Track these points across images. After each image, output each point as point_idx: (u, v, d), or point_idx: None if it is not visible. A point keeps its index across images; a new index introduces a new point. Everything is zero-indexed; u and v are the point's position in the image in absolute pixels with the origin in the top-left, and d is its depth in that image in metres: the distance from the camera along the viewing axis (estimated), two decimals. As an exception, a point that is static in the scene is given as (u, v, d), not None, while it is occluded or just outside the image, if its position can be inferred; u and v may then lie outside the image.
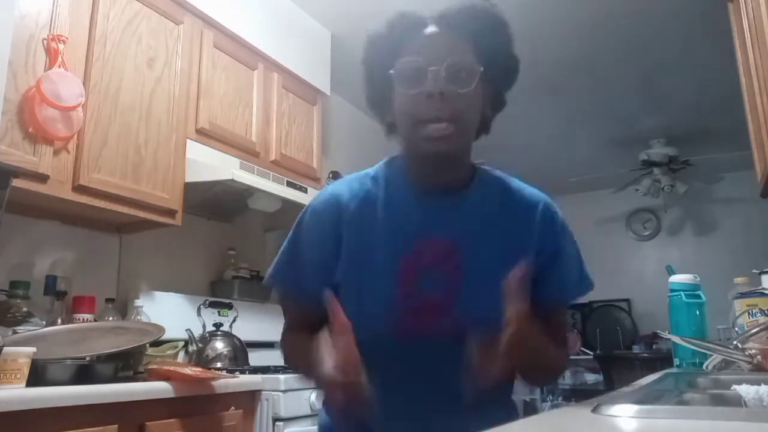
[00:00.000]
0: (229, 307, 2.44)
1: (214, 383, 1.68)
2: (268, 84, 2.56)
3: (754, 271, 1.79)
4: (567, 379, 4.57)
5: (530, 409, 3.99)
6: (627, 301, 5.40)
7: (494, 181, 1.02)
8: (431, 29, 0.94)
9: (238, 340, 2.32)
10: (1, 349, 1.26)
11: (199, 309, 2.30)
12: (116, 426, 1.39)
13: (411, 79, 0.91)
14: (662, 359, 3.70)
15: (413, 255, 0.94)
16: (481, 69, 0.90)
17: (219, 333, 2.27)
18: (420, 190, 0.97)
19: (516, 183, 1.03)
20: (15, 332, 1.61)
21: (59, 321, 1.82)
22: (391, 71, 0.93)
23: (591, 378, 4.66)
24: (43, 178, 1.67)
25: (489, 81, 0.94)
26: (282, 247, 1.03)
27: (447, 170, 0.96)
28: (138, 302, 2.11)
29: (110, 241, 2.20)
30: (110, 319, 1.99)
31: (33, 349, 1.34)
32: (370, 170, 1.03)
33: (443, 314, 0.92)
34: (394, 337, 0.92)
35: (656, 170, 4.67)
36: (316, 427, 1.09)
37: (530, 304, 0.82)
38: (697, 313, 1.53)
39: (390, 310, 0.92)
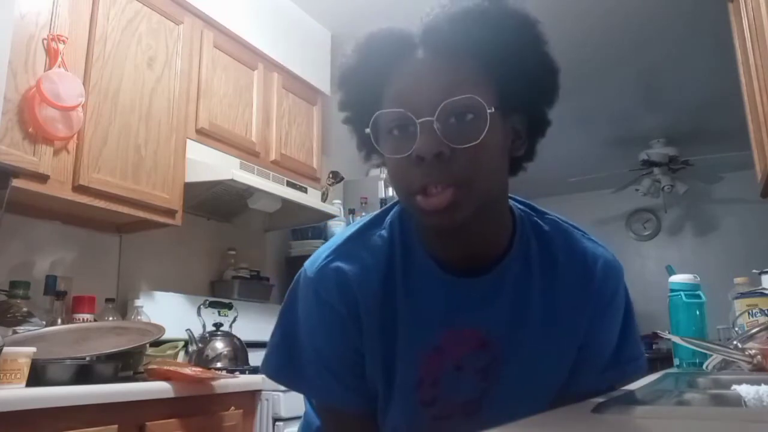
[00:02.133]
0: (229, 307, 2.44)
1: (214, 383, 1.68)
2: (268, 84, 2.56)
3: (754, 271, 1.79)
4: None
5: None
6: (627, 301, 5.40)
7: (543, 243, 0.78)
8: (417, 56, 0.69)
9: (238, 340, 2.31)
10: (1, 349, 1.26)
11: (199, 309, 2.30)
12: (116, 426, 1.39)
13: (393, 140, 0.68)
14: (662, 359, 3.70)
15: (437, 351, 0.76)
16: (491, 109, 0.65)
17: (219, 333, 2.27)
18: (442, 265, 0.75)
19: (571, 242, 0.79)
20: (15, 332, 1.61)
21: (59, 321, 1.82)
22: (367, 130, 0.71)
23: (591, 378, 4.65)
24: (43, 178, 1.67)
25: (514, 109, 0.70)
26: (276, 339, 0.82)
27: (467, 243, 0.74)
28: (138, 302, 2.11)
29: (110, 241, 2.19)
30: (110, 319, 1.99)
31: (33, 349, 1.34)
32: (382, 231, 0.79)
33: (475, 422, 0.77)
34: None
35: (656, 170, 4.67)
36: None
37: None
38: (697, 313, 1.52)
39: (411, 420, 0.78)
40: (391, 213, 0.81)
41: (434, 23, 0.68)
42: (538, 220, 0.80)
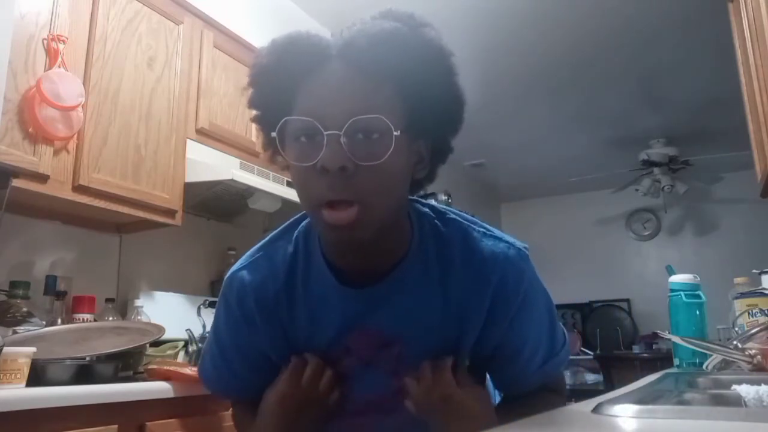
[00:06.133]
0: (229, 307, 2.44)
1: (214, 383, 1.67)
2: (268, 84, 2.56)
3: (754, 271, 1.79)
4: (567, 379, 4.58)
5: (530, 409, 3.99)
6: (627, 301, 5.41)
7: (441, 245, 0.80)
8: (332, 68, 0.70)
9: (238, 340, 2.32)
10: (1, 349, 1.26)
11: (199, 309, 2.30)
12: (116, 426, 1.39)
13: (299, 147, 0.69)
14: (662, 359, 3.71)
15: (345, 353, 0.81)
16: (397, 133, 0.66)
17: (219, 333, 2.27)
18: (344, 274, 0.79)
19: (469, 242, 0.80)
20: (15, 332, 1.61)
21: (59, 321, 1.82)
22: (273, 134, 0.71)
23: (591, 378, 4.67)
24: (43, 178, 1.67)
25: (420, 134, 0.73)
26: (207, 342, 0.93)
27: (365, 257, 0.77)
28: (138, 302, 2.11)
29: (110, 241, 2.19)
30: (110, 319, 1.98)
31: (33, 349, 1.34)
32: (289, 244, 0.84)
33: (386, 413, 0.82)
34: None
35: (656, 170, 4.67)
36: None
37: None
38: (697, 313, 1.52)
39: (328, 418, 0.84)
40: (300, 225, 0.85)
41: (354, 39, 0.69)
42: (438, 222, 0.82)
